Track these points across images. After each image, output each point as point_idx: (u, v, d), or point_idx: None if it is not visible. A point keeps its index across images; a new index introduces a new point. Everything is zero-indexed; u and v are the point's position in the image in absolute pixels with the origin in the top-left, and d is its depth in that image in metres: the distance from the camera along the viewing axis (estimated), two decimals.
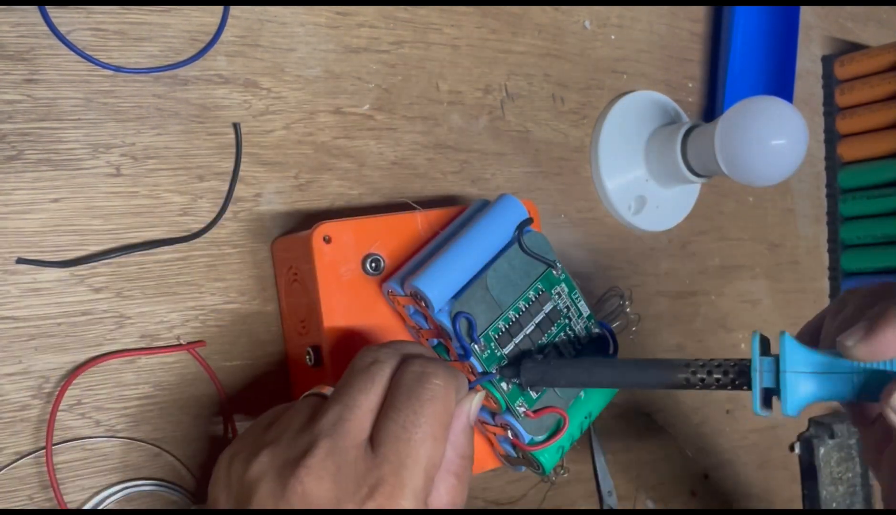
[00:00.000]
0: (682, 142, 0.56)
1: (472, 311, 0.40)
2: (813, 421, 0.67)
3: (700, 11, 0.64)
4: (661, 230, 0.61)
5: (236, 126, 0.45)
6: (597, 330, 0.45)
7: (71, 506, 0.40)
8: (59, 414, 0.40)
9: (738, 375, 0.36)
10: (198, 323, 0.44)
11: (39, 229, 0.40)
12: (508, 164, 0.54)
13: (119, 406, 0.42)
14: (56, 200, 0.40)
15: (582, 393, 0.44)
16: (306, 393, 0.37)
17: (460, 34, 0.53)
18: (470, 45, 0.53)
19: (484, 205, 0.45)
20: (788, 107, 0.53)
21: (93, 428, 0.41)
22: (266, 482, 0.32)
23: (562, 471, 0.55)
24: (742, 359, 0.36)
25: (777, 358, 0.35)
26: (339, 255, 0.41)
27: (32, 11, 0.40)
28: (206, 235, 0.44)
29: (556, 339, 0.44)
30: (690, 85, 0.64)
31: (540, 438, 0.42)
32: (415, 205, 0.45)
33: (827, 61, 0.71)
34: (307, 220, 0.47)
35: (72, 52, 0.41)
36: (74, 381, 0.40)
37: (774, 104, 0.53)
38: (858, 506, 0.67)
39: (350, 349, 0.41)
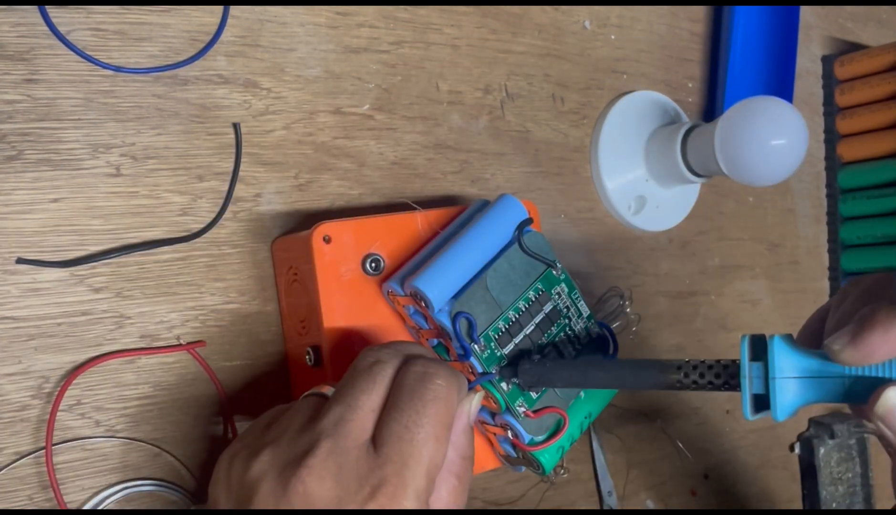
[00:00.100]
0: (682, 142, 0.56)
1: (472, 311, 0.40)
2: (813, 421, 0.67)
3: (700, 11, 0.64)
4: (661, 230, 0.61)
5: (236, 126, 0.45)
6: (597, 330, 0.45)
7: (71, 506, 0.40)
8: (58, 414, 0.40)
9: (730, 378, 0.36)
10: (198, 323, 0.44)
11: (39, 229, 0.40)
12: (508, 164, 0.54)
13: (119, 406, 0.42)
14: (56, 200, 0.40)
15: (582, 393, 0.44)
16: (306, 393, 0.37)
17: (460, 34, 0.53)
18: (470, 45, 0.53)
19: (484, 205, 0.45)
20: (788, 107, 0.53)
21: (93, 428, 0.41)
22: (267, 481, 0.32)
23: (562, 471, 0.54)
24: (734, 361, 0.36)
25: (766, 364, 0.35)
26: (339, 255, 0.41)
27: (32, 11, 0.40)
28: (205, 235, 0.44)
29: (556, 339, 0.44)
30: (690, 85, 0.64)
31: (540, 438, 0.42)
32: (415, 206, 0.45)
33: (827, 61, 0.71)
34: (307, 220, 0.47)
35: (72, 52, 0.41)
36: (74, 381, 0.40)
37: (774, 104, 0.53)
38: (858, 506, 0.67)
39: (350, 349, 0.41)
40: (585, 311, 0.45)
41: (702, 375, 0.37)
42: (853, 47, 0.72)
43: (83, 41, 0.41)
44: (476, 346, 0.40)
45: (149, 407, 0.42)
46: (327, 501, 0.31)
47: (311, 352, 0.42)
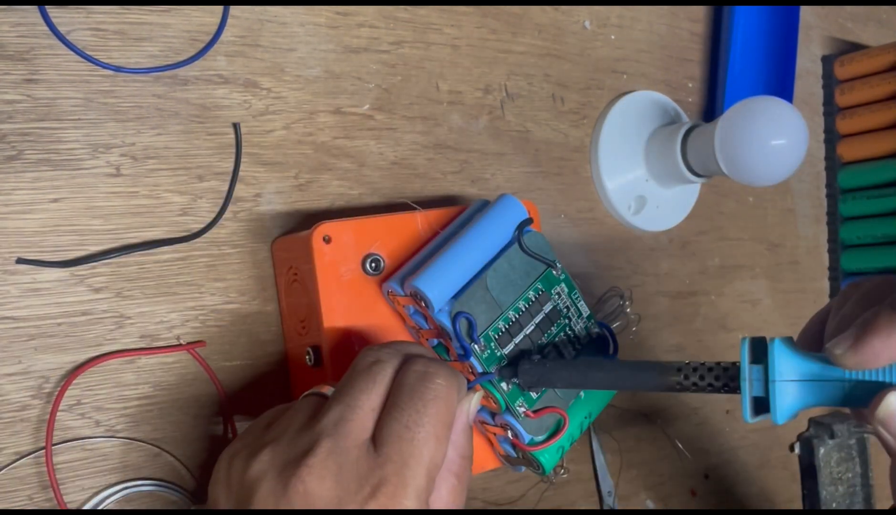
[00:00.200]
0: (682, 142, 0.56)
1: (472, 311, 0.40)
2: (813, 421, 0.67)
3: (700, 11, 0.64)
4: (661, 230, 0.61)
5: (236, 126, 0.45)
6: (597, 331, 0.45)
7: (71, 506, 0.40)
8: (58, 414, 0.40)
9: (730, 380, 0.36)
10: (198, 323, 0.44)
11: (39, 229, 0.40)
12: (508, 164, 0.54)
13: (119, 406, 0.42)
14: (56, 200, 0.40)
15: (582, 394, 0.44)
16: (306, 393, 0.37)
17: (460, 34, 0.53)
18: (470, 45, 0.53)
19: (484, 205, 0.45)
20: (788, 107, 0.53)
21: (93, 428, 0.41)
22: (267, 481, 0.32)
23: (562, 471, 0.54)
24: (734, 363, 0.36)
25: (766, 367, 0.35)
26: (339, 255, 0.41)
27: (32, 11, 0.40)
28: (205, 235, 0.44)
29: (556, 339, 0.44)
30: (690, 85, 0.64)
31: (540, 438, 0.42)
32: (415, 206, 0.45)
33: (827, 61, 0.71)
34: (307, 220, 0.47)
35: (72, 52, 0.41)
36: (74, 381, 0.40)
37: (774, 104, 0.53)
38: (858, 506, 0.67)
39: (350, 349, 0.41)
40: (585, 311, 0.45)
41: (702, 377, 0.37)
42: (853, 47, 0.72)
43: (83, 41, 0.41)
44: (476, 346, 0.40)
45: (149, 407, 0.42)
46: (327, 501, 0.31)
47: (311, 352, 0.42)
